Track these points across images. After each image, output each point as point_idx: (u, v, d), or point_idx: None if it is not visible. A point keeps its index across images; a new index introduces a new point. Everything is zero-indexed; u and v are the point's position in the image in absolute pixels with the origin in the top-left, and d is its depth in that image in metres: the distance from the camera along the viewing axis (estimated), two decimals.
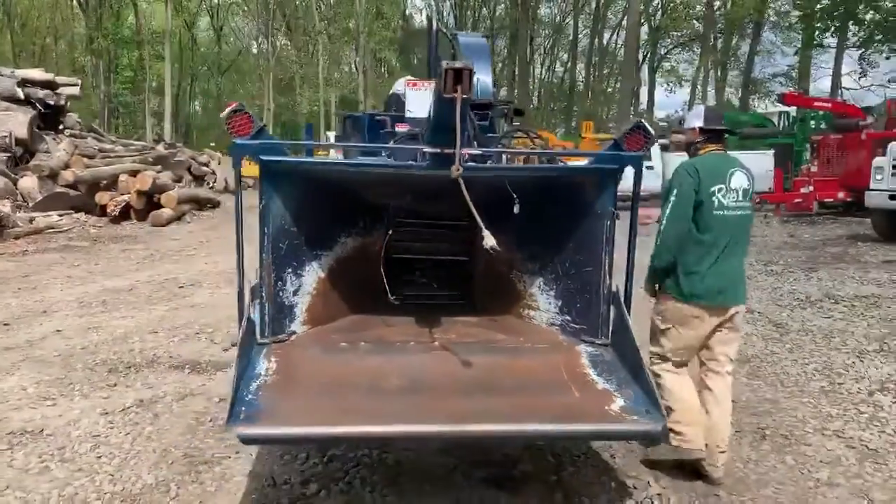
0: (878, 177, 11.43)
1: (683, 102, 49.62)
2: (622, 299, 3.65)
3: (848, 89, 34.19)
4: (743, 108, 36.09)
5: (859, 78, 27.46)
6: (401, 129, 4.72)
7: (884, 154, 11.56)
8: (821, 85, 36.60)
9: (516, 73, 51.78)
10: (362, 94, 52.13)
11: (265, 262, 3.65)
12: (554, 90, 55.35)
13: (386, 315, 4.27)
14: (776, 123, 22.04)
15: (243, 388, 3.17)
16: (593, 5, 49.42)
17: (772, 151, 19.36)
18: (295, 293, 3.84)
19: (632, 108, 45.71)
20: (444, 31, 4.77)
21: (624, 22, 49.58)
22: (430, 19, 4.71)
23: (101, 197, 15.10)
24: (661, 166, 17.99)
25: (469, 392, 3.39)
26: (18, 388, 4.97)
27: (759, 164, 15.95)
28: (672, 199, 3.77)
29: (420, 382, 3.44)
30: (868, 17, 22.56)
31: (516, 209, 3.70)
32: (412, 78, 4.86)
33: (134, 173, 15.73)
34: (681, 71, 48.66)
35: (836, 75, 36.07)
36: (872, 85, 32.73)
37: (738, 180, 3.81)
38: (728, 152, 4.13)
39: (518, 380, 3.51)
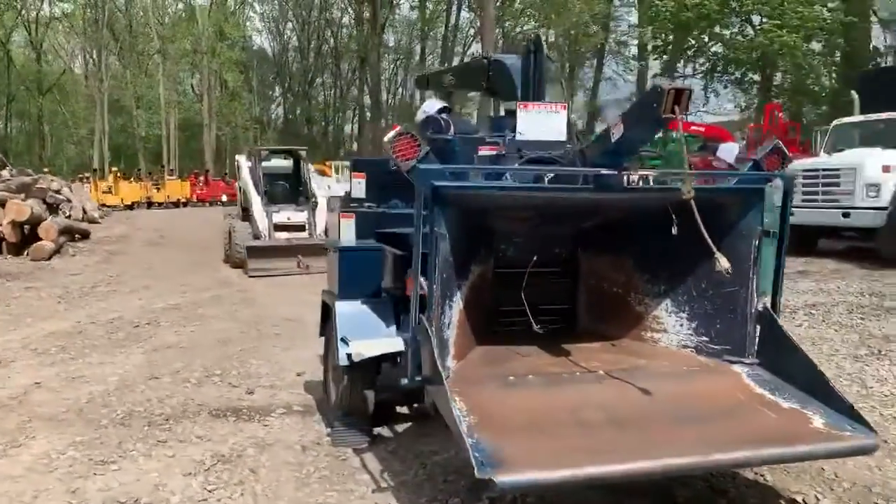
0: None
1: None
2: (775, 317, 3.75)
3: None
4: (589, 131, 38.23)
5: (703, 105, 30.14)
6: (484, 151, 4.58)
7: None
8: None
9: (367, 96, 51.95)
10: (206, 115, 50.10)
11: (435, 295, 3.40)
12: (409, 114, 55.80)
13: (512, 345, 4.11)
14: None
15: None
16: (442, 32, 50.54)
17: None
18: (448, 326, 3.61)
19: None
20: (550, 57, 4.71)
21: (471, 50, 51.29)
22: (538, 40, 4.60)
23: None
24: None
25: (672, 421, 3.33)
26: (56, 452, 4.29)
27: None
28: None
29: (618, 415, 3.34)
30: (714, 49, 24.93)
31: (675, 230, 3.68)
32: (490, 104, 4.76)
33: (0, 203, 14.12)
34: None
35: None
36: (699, 111, 36.18)
37: None
38: None
39: (704, 405, 3.49)
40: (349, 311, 4.48)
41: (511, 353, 4.00)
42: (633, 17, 38.34)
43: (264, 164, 13.08)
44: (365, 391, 4.48)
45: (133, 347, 6.83)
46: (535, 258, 4.13)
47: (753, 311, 3.80)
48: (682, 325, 4.06)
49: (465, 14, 49.77)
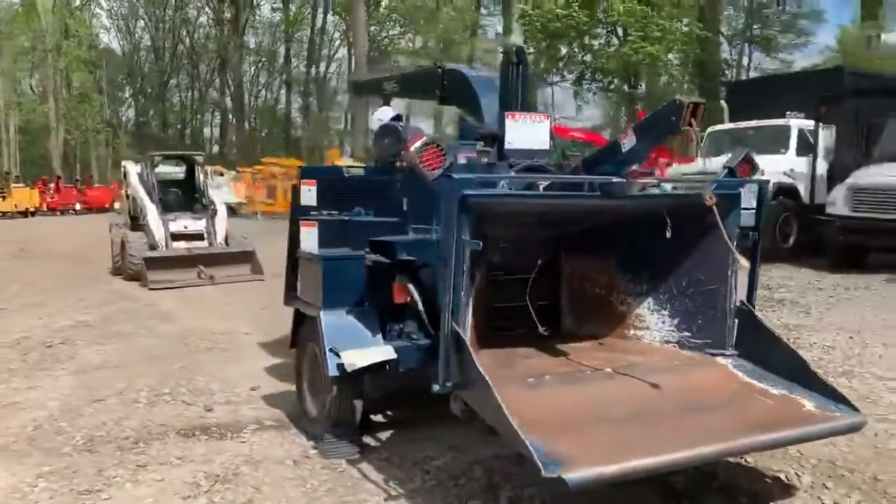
0: None
1: None
2: (753, 311, 4.08)
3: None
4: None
5: (576, 113, 31.42)
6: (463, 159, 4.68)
7: None
8: None
9: (229, 98, 50.54)
10: (53, 118, 46.81)
11: (462, 301, 3.47)
12: (273, 117, 54.64)
13: (510, 347, 4.24)
14: None
15: None
16: (308, 35, 49.82)
17: None
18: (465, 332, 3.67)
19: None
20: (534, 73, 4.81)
21: (339, 54, 50.92)
22: (520, 51, 4.71)
23: None
24: None
25: (685, 412, 3.57)
26: (27, 485, 3.98)
27: None
28: None
29: (638, 409, 3.55)
30: (584, 58, 26.21)
31: (668, 234, 3.95)
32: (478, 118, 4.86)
33: None
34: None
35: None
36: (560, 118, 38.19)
37: None
38: None
39: (707, 396, 3.75)
40: (335, 321, 4.44)
41: (514, 355, 4.13)
42: (500, 26, 39.44)
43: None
44: (353, 401, 4.46)
45: (56, 369, 6.37)
46: (539, 262, 4.27)
47: (732, 306, 4.11)
48: (664, 322, 4.33)
49: (331, 18, 49.33)
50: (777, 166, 12.23)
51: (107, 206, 34.52)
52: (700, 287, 4.20)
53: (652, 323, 4.37)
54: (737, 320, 4.12)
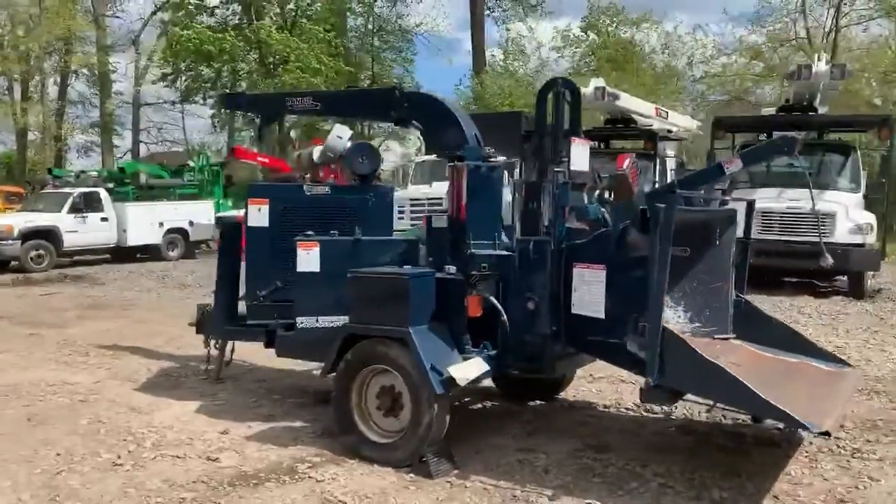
0: None
1: None
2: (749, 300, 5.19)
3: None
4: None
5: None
6: None
7: None
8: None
9: None
10: None
11: (657, 305, 3.92)
12: None
13: None
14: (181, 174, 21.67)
15: None
16: None
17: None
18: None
19: None
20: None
21: None
22: (569, 83, 5.01)
23: None
24: (114, 217, 16.94)
25: (784, 378, 4.45)
26: None
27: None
28: None
29: (771, 377, 4.33)
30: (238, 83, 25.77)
31: (718, 243, 4.86)
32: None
33: None
34: None
35: (136, 132, 37.77)
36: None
37: None
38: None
39: (772, 367, 4.66)
40: (424, 340, 4.43)
41: None
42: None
43: None
44: (446, 417, 4.46)
45: None
46: None
47: (731, 298, 5.16)
48: (679, 317, 5.17)
49: None
50: None
51: None
52: (707, 284, 5.16)
53: (668, 318, 5.17)
54: (733, 309, 5.16)
